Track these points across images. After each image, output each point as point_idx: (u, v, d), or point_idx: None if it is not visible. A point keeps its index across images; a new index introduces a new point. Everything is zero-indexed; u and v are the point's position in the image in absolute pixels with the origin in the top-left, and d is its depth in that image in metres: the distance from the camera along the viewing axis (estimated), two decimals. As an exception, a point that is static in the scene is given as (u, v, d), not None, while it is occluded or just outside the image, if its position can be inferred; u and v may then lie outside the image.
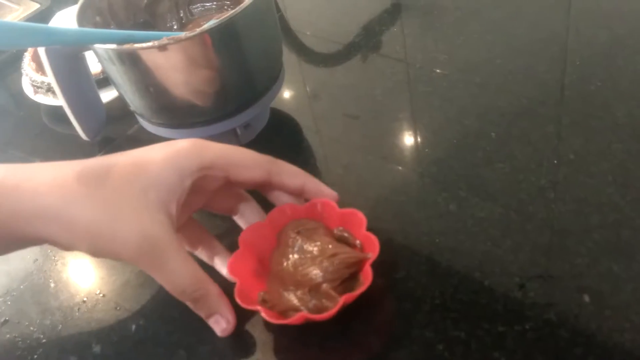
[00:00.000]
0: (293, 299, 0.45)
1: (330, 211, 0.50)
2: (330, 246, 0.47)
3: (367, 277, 0.44)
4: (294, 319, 0.43)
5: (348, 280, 0.46)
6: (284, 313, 0.45)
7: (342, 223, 0.50)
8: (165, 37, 0.49)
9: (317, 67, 0.78)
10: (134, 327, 0.50)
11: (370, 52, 0.75)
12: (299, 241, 0.47)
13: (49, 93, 0.73)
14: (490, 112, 0.61)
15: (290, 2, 0.88)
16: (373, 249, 0.46)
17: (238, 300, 0.44)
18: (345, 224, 0.49)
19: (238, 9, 0.50)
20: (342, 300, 0.43)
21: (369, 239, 0.47)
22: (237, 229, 0.51)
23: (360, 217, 0.48)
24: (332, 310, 0.43)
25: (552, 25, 0.71)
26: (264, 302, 0.45)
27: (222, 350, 0.47)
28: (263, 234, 0.49)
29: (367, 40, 0.76)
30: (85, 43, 0.52)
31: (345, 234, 0.48)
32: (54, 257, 0.58)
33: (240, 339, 0.47)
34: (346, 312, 0.43)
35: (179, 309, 0.46)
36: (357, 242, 0.48)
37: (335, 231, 0.49)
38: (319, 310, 0.44)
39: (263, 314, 0.43)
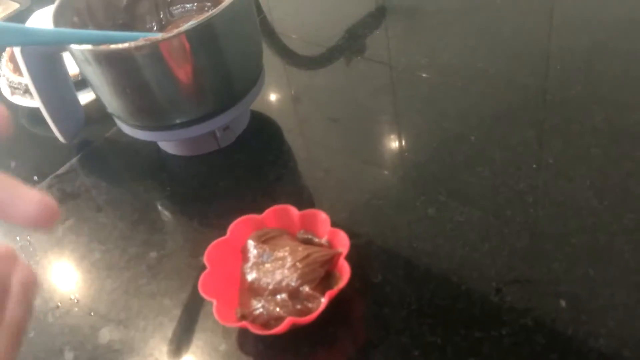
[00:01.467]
0: (274, 307, 0.44)
1: (289, 216, 0.50)
2: (300, 248, 0.46)
3: (344, 271, 0.45)
4: (282, 326, 0.42)
5: (325, 279, 0.46)
6: (265, 324, 0.44)
7: (303, 225, 0.50)
8: (142, 38, 0.49)
9: (301, 70, 0.77)
10: (108, 333, 0.49)
11: (354, 55, 0.74)
12: (267, 250, 0.47)
13: (27, 94, 0.72)
14: (471, 116, 0.61)
15: (274, 4, 0.88)
16: (343, 243, 0.46)
17: (220, 321, 0.43)
18: (307, 225, 0.50)
19: (216, 10, 0.50)
20: (327, 297, 0.42)
21: (337, 234, 0.47)
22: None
23: (322, 216, 0.48)
24: (319, 309, 0.42)
25: (534, 31, 0.71)
26: (243, 317, 0.44)
27: None
28: (226, 249, 0.49)
29: (351, 43, 0.76)
30: (61, 43, 0.52)
31: (309, 236, 0.49)
32: (28, 261, 0.57)
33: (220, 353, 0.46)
34: (322, 317, 0.43)
35: (154, 316, 0.45)
36: (323, 240, 0.48)
37: (299, 235, 0.49)
38: (304, 313, 0.43)
39: (250, 329, 0.43)
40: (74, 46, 0.51)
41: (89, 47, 0.50)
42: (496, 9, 0.76)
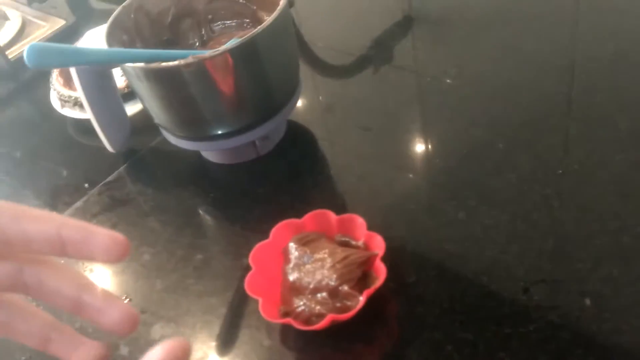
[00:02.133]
0: (315, 305, 0.47)
1: (328, 220, 0.53)
2: (338, 250, 0.50)
3: (380, 271, 0.48)
4: (323, 322, 0.45)
5: (362, 279, 0.49)
6: (307, 320, 0.47)
7: (341, 229, 0.53)
8: (191, 55, 0.52)
9: (331, 80, 0.81)
10: (160, 330, 0.53)
11: (382, 64, 0.77)
12: (307, 252, 0.50)
13: (76, 107, 0.76)
14: (498, 123, 0.64)
15: (305, 16, 0.91)
16: (379, 246, 0.49)
17: (265, 317, 0.47)
18: (344, 229, 0.53)
19: (258, 28, 0.53)
20: (365, 296, 0.46)
21: (373, 237, 0.50)
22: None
23: (359, 220, 0.52)
24: (357, 307, 0.46)
25: (559, 40, 0.73)
26: (285, 314, 0.48)
27: None
28: (269, 252, 0.52)
29: (379, 52, 0.79)
30: (116, 62, 0.55)
31: (346, 239, 0.52)
32: (83, 264, 0.61)
33: (261, 349, 0.50)
34: (360, 315, 0.46)
35: (202, 314, 0.48)
36: (360, 243, 0.52)
37: (336, 238, 0.53)
38: (344, 310, 0.47)
39: (294, 325, 0.46)
40: (127, 64, 0.55)
41: (141, 65, 0.53)
42: (522, 20, 0.78)
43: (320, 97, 0.76)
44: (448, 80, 0.71)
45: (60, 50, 0.51)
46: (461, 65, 0.73)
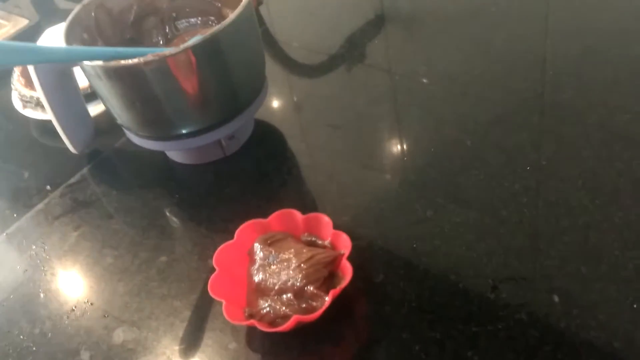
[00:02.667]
0: (280, 306, 0.46)
1: (294, 219, 0.52)
2: (304, 250, 0.49)
3: (347, 271, 0.47)
4: (289, 323, 0.44)
5: (329, 279, 0.48)
6: (272, 322, 0.46)
7: (307, 228, 0.52)
8: (151, 53, 0.51)
9: (302, 79, 0.80)
10: (122, 334, 0.51)
11: (355, 63, 0.77)
12: (273, 252, 0.49)
13: (38, 107, 0.74)
14: (468, 121, 0.63)
15: (275, 15, 0.90)
16: (345, 245, 0.48)
17: (229, 319, 0.46)
18: (310, 228, 0.52)
19: (220, 25, 0.52)
20: (331, 296, 0.45)
21: (339, 236, 0.49)
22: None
23: (325, 219, 0.51)
24: (322, 307, 0.45)
25: (529, 37, 0.73)
26: (251, 316, 0.47)
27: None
28: (234, 253, 0.51)
29: (352, 51, 0.78)
30: (74, 60, 0.54)
31: (313, 238, 0.51)
32: (43, 267, 0.59)
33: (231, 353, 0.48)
34: (327, 315, 0.45)
35: (166, 317, 0.47)
36: (326, 242, 0.51)
37: (303, 237, 0.52)
38: (310, 311, 0.46)
39: (258, 326, 0.45)
40: (85, 62, 0.54)
41: (100, 63, 0.52)
42: (492, 17, 0.78)
43: (292, 96, 0.75)
44: (420, 79, 0.71)
45: (15, 48, 0.50)
46: (432, 64, 0.73)
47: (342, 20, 0.86)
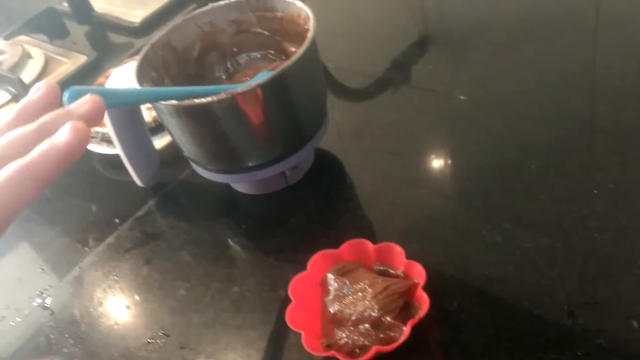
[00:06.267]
0: (358, 337, 0.47)
1: (365, 249, 0.53)
2: (379, 281, 0.49)
3: (423, 300, 0.48)
4: (368, 354, 0.45)
5: (404, 308, 0.49)
6: (351, 353, 0.47)
7: (378, 258, 0.53)
8: (223, 91, 0.53)
9: (351, 103, 0.81)
10: (201, 364, 0.53)
11: (402, 85, 0.77)
12: (347, 283, 0.50)
13: (103, 142, 0.77)
14: (527, 144, 0.64)
15: (320, 40, 0.92)
16: (420, 274, 0.49)
17: (309, 350, 0.47)
18: (382, 258, 0.53)
19: (288, 62, 0.54)
20: (409, 326, 0.45)
21: (412, 266, 0.50)
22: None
23: (397, 249, 0.52)
24: (402, 338, 0.46)
25: (580, 58, 0.73)
26: (329, 347, 0.47)
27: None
28: (307, 283, 0.52)
29: (398, 73, 0.79)
30: (151, 101, 0.56)
31: (385, 268, 0.52)
32: (118, 300, 0.61)
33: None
34: (404, 345, 0.46)
35: (242, 347, 0.48)
36: (399, 271, 0.51)
37: (374, 267, 0.52)
38: (387, 341, 0.46)
39: (339, 357, 0.46)
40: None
41: (174, 102, 0.54)
42: (542, 40, 0.78)
43: (346, 123, 0.76)
44: (474, 103, 0.71)
45: (98, 93, 0.52)
46: (485, 87, 0.73)
47: (386, 42, 0.86)
